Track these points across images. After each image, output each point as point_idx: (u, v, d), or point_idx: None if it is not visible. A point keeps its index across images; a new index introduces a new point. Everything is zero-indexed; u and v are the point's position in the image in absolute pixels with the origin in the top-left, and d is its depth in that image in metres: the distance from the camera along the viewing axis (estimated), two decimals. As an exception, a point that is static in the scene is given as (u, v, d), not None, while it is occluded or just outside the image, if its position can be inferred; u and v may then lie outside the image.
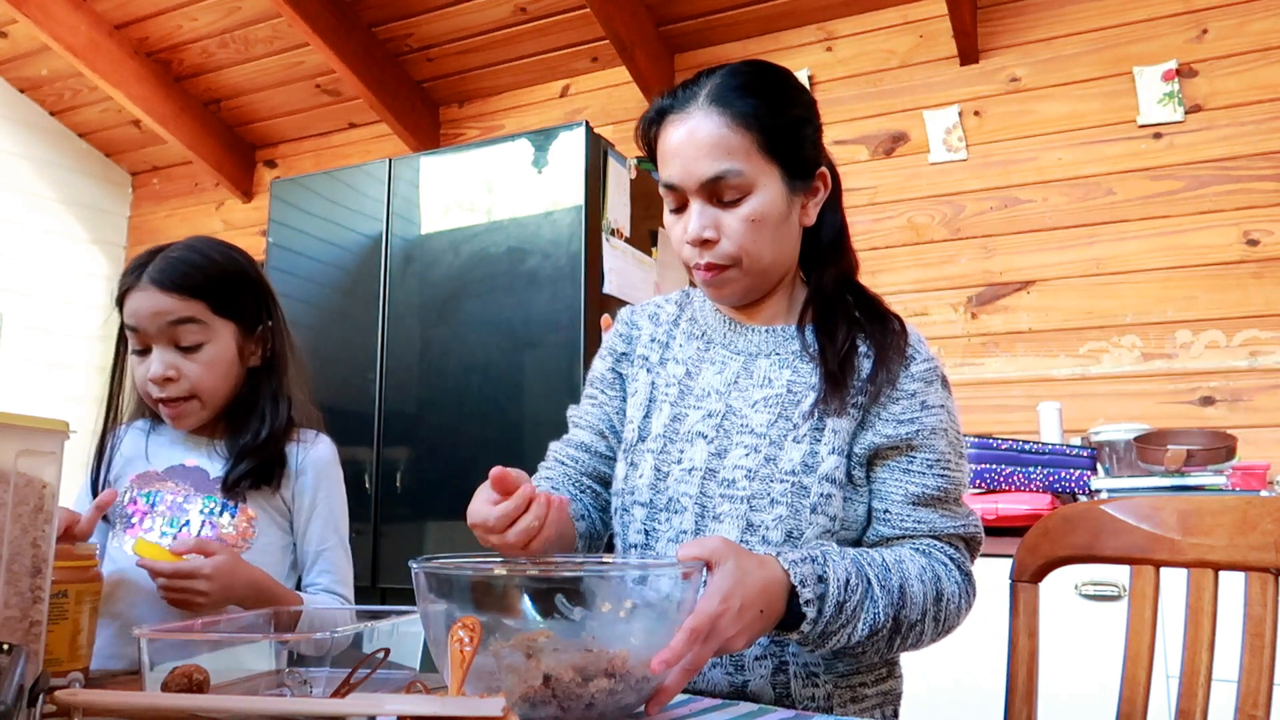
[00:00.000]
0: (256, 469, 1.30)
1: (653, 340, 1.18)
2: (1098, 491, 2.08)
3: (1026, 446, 2.15)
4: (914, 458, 1.01)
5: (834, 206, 1.12)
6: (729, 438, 1.04)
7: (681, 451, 1.07)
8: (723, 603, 0.79)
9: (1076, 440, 2.36)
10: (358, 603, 1.37)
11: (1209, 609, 0.93)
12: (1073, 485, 2.11)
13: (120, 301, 1.28)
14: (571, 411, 1.24)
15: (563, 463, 1.19)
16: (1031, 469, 2.12)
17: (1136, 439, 2.15)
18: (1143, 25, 2.63)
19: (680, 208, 1.04)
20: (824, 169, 1.07)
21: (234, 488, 1.29)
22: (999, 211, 2.75)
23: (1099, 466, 2.21)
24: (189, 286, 1.26)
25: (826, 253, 1.12)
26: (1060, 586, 1.90)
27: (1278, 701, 0.87)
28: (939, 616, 0.96)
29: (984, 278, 2.74)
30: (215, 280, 1.29)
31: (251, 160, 4.13)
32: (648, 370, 1.16)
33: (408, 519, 2.50)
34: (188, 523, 1.28)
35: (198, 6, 3.40)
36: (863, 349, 1.05)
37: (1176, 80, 2.57)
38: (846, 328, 1.05)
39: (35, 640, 0.73)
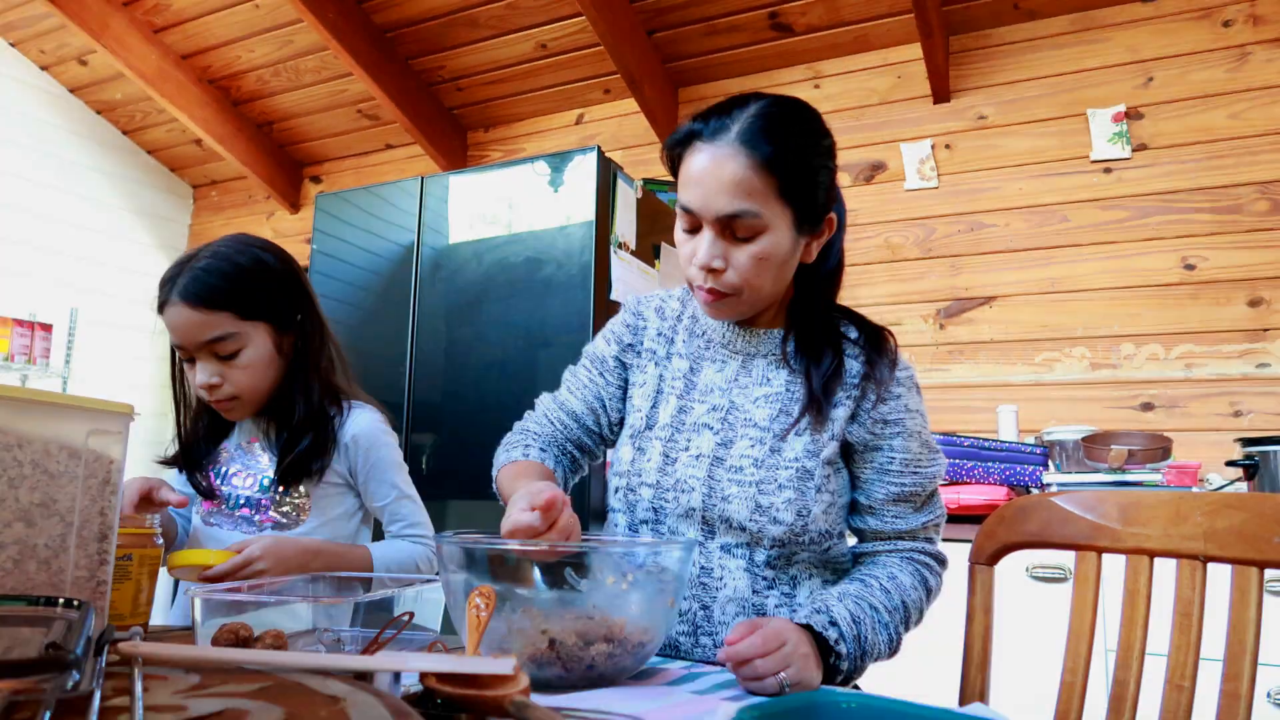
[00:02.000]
0: (303, 458, 1.25)
1: (659, 335, 1.15)
2: (1049, 485, 2.07)
3: (986, 444, 2.15)
4: (893, 458, 1.01)
5: (839, 231, 1.09)
6: (734, 430, 1.03)
7: (689, 440, 1.04)
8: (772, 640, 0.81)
9: (1031, 439, 2.36)
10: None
11: (1144, 591, 0.93)
12: (1026, 479, 2.11)
13: (162, 316, 1.24)
14: (568, 374, 1.20)
15: (553, 424, 1.16)
16: (990, 464, 2.12)
17: (1084, 439, 2.15)
18: (1096, 72, 2.63)
19: (693, 229, 0.99)
20: (833, 214, 1.03)
21: (285, 479, 1.26)
22: (966, 234, 2.74)
23: (1050, 463, 2.21)
24: (215, 300, 1.20)
25: (827, 279, 1.08)
26: (1013, 569, 1.90)
27: (1202, 675, 0.87)
28: (923, 608, 1.02)
29: (951, 293, 2.74)
30: (241, 287, 1.22)
31: (299, 176, 4.14)
32: (655, 363, 1.13)
33: (432, 498, 2.49)
34: (247, 500, 1.28)
35: (255, 39, 3.41)
36: (854, 351, 1.04)
37: (1125, 122, 2.57)
38: (833, 353, 1.02)
39: (101, 598, 0.73)
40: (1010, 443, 2.18)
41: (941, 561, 1.05)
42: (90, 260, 3.96)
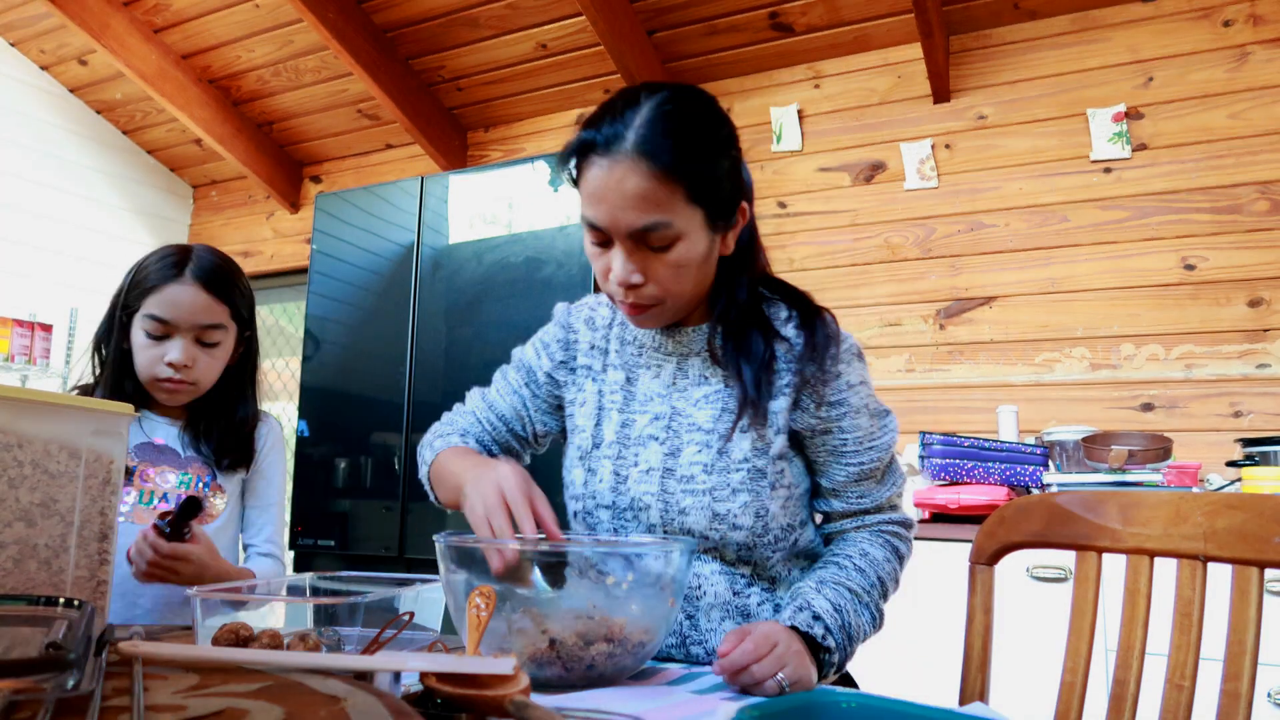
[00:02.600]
0: (238, 452, 1.36)
1: (592, 348, 1.11)
2: (1049, 485, 2.07)
3: (986, 444, 2.15)
4: (845, 440, 1.00)
5: (746, 201, 1.02)
6: (679, 437, 1.01)
7: (637, 455, 1.02)
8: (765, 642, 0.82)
9: (1031, 439, 2.36)
10: (388, 572, 1.38)
11: (1144, 591, 0.93)
12: (1027, 479, 2.11)
13: (148, 291, 1.27)
14: (498, 375, 1.18)
15: (480, 423, 1.15)
16: (990, 464, 2.12)
17: (1084, 439, 2.15)
18: (1096, 72, 2.63)
19: (602, 244, 0.94)
20: (745, 204, 0.99)
21: (221, 466, 1.35)
22: (966, 234, 2.75)
23: (1050, 463, 2.21)
24: (224, 292, 1.30)
25: (740, 257, 1.02)
26: (1013, 569, 1.89)
27: (1202, 675, 0.87)
28: (898, 577, 1.03)
29: (951, 293, 2.74)
30: (239, 288, 1.34)
31: (299, 176, 4.14)
32: (592, 379, 1.10)
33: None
34: (165, 495, 1.32)
35: (255, 39, 3.42)
36: (790, 331, 1.01)
37: (1125, 122, 2.57)
38: (763, 342, 0.99)
39: (101, 597, 0.73)
40: (1010, 443, 2.18)
41: (908, 526, 1.06)
42: (90, 260, 3.96)
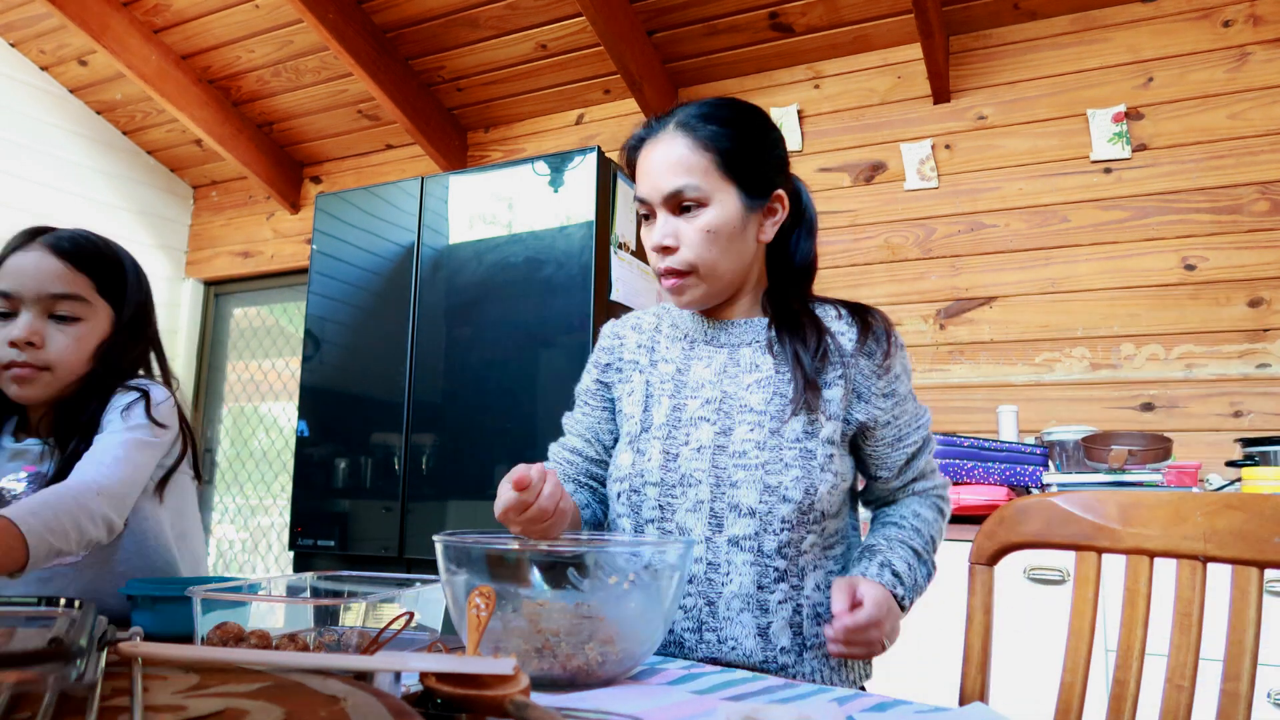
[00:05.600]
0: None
1: (639, 346, 1.16)
2: (1049, 486, 2.08)
3: (986, 444, 2.15)
4: (900, 426, 1.07)
5: (809, 234, 1.13)
6: (731, 418, 1.03)
7: (688, 435, 1.05)
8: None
9: (1031, 439, 2.36)
10: (388, 572, 1.37)
11: (1144, 592, 0.93)
12: (1027, 479, 2.11)
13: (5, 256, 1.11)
14: (566, 418, 1.23)
15: (560, 464, 1.19)
16: (990, 464, 2.12)
17: (1084, 439, 2.15)
18: (1096, 73, 2.63)
19: (650, 217, 1.05)
20: (781, 191, 1.06)
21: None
22: (966, 234, 2.75)
23: (1050, 463, 2.21)
24: (85, 262, 1.13)
25: (797, 276, 1.12)
26: (1011, 571, 1.89)
27: (1202, 675, 0.87)
28: (943, 533, 1.13)
29: (951, 293, 2.74)
30: (107, 263, 1.17)
31: (299, 176, 4.14)
32: (640, 371, 1.13)
33: (432, 497, 2.51)
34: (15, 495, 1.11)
35: (255, 40, 3.42)
36: (842, 328, 1.07)
37: (1125, 122, 2.57)
38: (817, 334, 1.06)
39: (101, 598, 0.73)
40: (1010, 443, 2.18)
41: (948, 487, 1.16)
42: (90, 260, 3.95)
